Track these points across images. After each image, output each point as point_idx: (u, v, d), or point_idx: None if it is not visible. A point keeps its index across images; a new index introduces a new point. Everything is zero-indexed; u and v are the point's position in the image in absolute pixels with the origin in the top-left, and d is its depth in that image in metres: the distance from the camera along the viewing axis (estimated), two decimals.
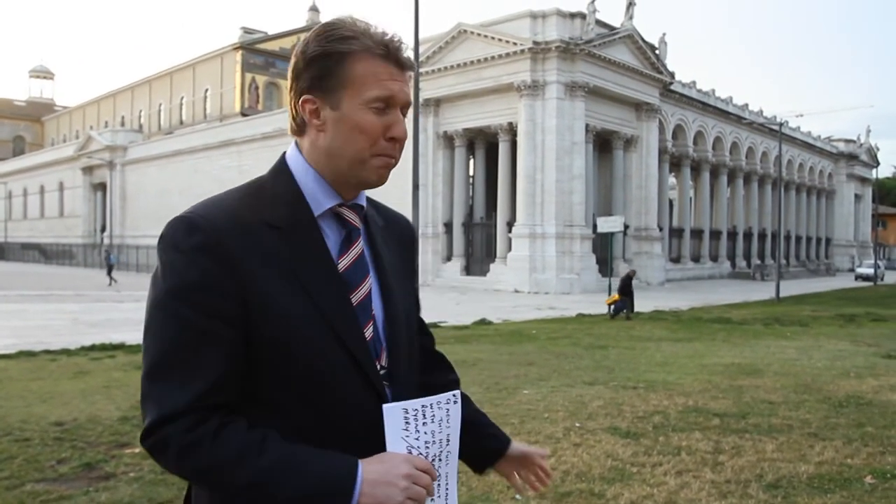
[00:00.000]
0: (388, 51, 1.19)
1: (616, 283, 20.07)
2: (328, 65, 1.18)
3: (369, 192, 1.32)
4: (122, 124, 70.77)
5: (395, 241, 1.36)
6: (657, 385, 8.10)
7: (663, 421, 6.25)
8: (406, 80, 1.22)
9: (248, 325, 1.12)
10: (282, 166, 1.26)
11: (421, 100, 30.13)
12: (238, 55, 61.03)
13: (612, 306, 18.25)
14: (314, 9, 65.91)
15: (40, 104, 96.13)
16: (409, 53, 1.25)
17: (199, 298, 1.10)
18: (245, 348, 1.12)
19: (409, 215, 15.58)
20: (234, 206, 1.18)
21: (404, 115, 1.22)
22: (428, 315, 11.32)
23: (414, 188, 14.36)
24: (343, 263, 1.22)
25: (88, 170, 60.91)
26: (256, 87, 61.45)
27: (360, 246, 1.25)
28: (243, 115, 55.23)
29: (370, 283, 1.24)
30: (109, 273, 32.02)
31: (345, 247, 1.23)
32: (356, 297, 1.21)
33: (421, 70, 29.87)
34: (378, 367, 1.22)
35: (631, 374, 8.95)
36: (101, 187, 59.86)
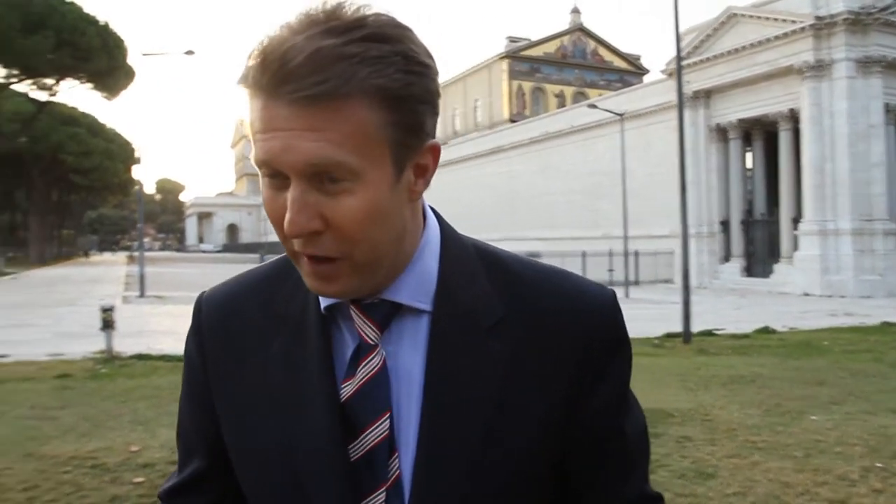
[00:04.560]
0: (260, 75, 0.69)
1: None
2: None
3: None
4: None
5: (540, 349, 0.82)
6: None
7: None
8: (310, 123, 0.68)
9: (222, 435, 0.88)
10: None
11: (689, 92, 28.70)
12: (504, 64, 62.95)
13: None
14: (576, 10, 65.85)
15: None
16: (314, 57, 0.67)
17: (185, 383, 0.93)
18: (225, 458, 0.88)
19: (677, 217, 14.84)
20: (247, 284, 0.90)
21: (327, 183, 0.70)
22: (704, 321, 10.60)
23: (681, 189, 13.60)
24: (346, 390, 0.80)
25: None
26: (523, 94, 62.93)
27: (373, 365, 0.80)
28: (512, 121, 56.81)
29: (387, 425, 0.79)
30: None
31: (353, 365, 0.81)
32: (360, 447, 0.79)
33: (688, 61, 28.46)
34: None
35: None
36: None
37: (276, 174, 0.71)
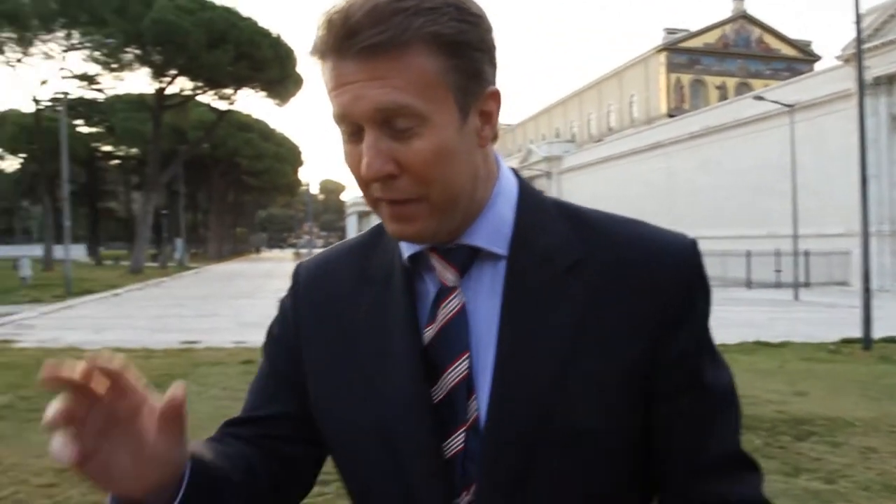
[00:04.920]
0: (327, 37, 0.75)
1: None
2: None
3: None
4: (557, 136, 75.97)
5: (618, 292, 0.82)
6: None
7: None
8: (375, 73, 0.73)
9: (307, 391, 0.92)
10: None
11: (869, 79, 26.53)
12: (662, 57, 60.96)
13: None
14: None
15: None
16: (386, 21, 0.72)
17: (272, 339, 0.98)
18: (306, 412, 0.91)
19: (853, 215, 13.73)
20: (342, 251, 0.97)
21: (397, 128, 0.75)
22: (886, 326, 9.92)
23: (861, 184, 12.66)
24: (429, 334, 0.84)
25: (529, 180, 66.64)
26: (681, 87, 60.64)
27: (452, 307, 0.84)
28: (670, 116, 54.95)
29: (466, 365, 0.82)
30: None
31: (434, 309, 0.85)
32: (441, 388, 0.82)
33: (868, 45, 26.31)
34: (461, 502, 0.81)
35: None
36: None
37: (353, 128, 0.77)
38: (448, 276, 0.84)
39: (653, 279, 0.81)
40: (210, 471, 0.79)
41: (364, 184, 0.79)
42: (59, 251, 37.22)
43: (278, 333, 0.96)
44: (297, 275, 0.99)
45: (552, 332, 0.80)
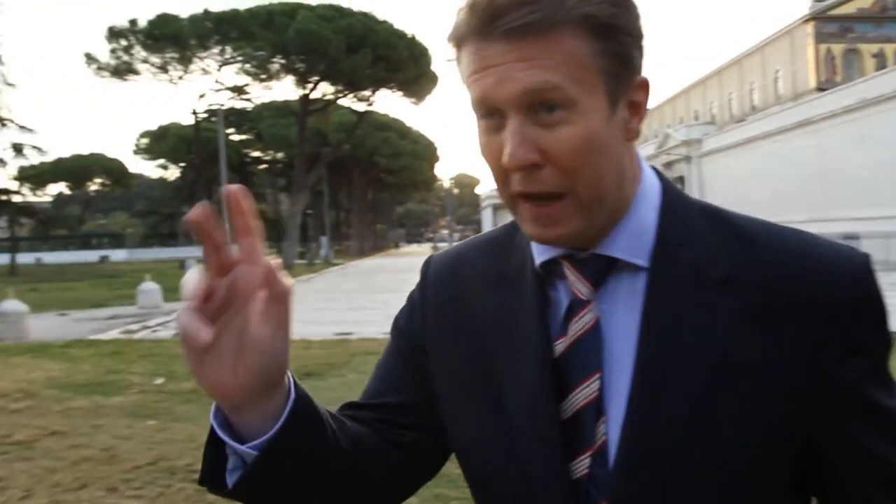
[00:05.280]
0: (469, 20, 0.70)
1: None
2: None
3: None
4: (696, 118, 73.15)
5: (773, 312, 0.73)
6: None
7: None
8: (523, 54, 0.68)
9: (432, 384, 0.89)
10: None
11: None
12: (809, 27, 57.28)
13: None
14: None
15: None
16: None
17: (394, 331, 0.96)
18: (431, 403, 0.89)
19: None
20: (474, 247, 0.93)
21: (544, 113, 0.70)
22: None
23: None
24: (559, 347, 0.78)
25: (668, 165, 64.91)
26: (832, 58, 56.76)
27: (585, 322, 0.77)
28: (819, 90, 51.57)
29: (597, 386, 0.75)
30: None
31: (566, 322, 0.79)
32: (569, 406, 0.76)
33: None
34: None
35: None
36: (680, 180, 63.10)
37: (493, 113, 0.72)
38: (581, 288, 0.78)
39: (815, 299, 0.73)
40: (317, 412, 0.76)
41: (504, 174, 0.73)
42: None
43: (404, 325, 0.94)
44: (426, 268, 0.96)
45: (696, 356, 0.73)
